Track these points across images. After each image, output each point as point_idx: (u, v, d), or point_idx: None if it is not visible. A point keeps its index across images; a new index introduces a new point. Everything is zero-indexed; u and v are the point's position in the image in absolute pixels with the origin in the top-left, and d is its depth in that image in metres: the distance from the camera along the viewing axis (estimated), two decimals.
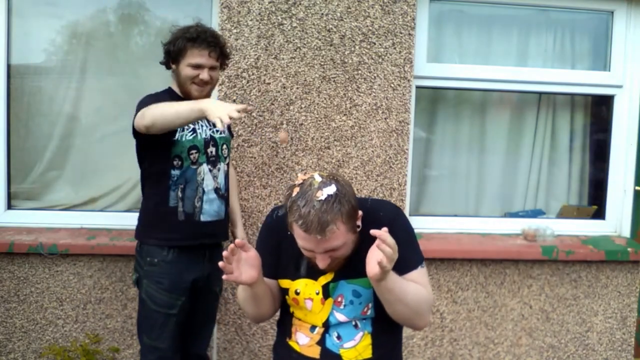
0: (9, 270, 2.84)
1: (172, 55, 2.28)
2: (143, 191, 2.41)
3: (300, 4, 2.85)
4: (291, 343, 1.71)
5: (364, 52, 2.90)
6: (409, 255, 1.61)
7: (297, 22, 2.85)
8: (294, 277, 1.66)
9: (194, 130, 2.30)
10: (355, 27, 2.89)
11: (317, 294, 1.63)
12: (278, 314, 1.80)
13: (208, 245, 2.38)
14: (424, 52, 3.06)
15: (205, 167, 2.31)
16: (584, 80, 3.20)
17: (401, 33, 2.91)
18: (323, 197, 1.45)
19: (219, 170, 2.37)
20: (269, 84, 2.87)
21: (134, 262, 2.42)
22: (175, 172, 2.27)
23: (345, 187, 1.51)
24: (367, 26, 2.89)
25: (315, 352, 1.65)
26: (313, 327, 1.67)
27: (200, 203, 2.31)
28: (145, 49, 3.05)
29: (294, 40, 2.86)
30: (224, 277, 1.49)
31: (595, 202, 3.39)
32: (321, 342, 1.65)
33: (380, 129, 2.94)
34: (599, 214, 3.32)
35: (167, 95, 2.32)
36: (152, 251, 2.31)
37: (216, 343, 2.96)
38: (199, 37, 2.24)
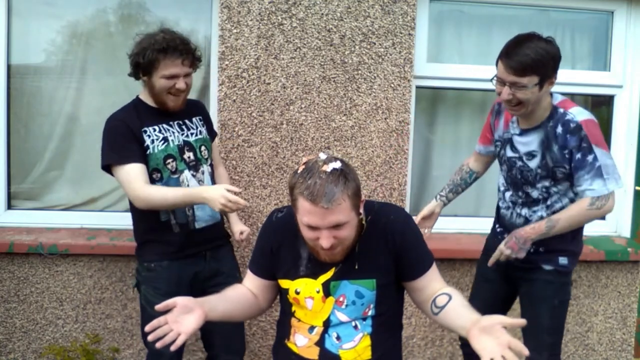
0: (9, 270, 2.84)
1: (142, 67, 2.15)
2: (132, 212, 2.32)
3: (300, 4, 2.85)
4: (289, 344, 1.71)
5: (364, 52, 2.90)
6: (426, 255, 1.71)
7: (297, 22, 2.85)
8: (294, 277, 1.66)
9: (165, 139, 2.22)
10: (355, 27, 2.89)
11: (318, 292, 1.64)
12: (278, 314, 1.81)
13: (208, 248, 2.35)
14: (424, 52, 3.06)
15: (187, 174, 2.25)
16: (584, 80, 3.19)
17: (401, 33, 2.91)
18: (329, 170, 1.48)
19: (202, 173, 2.30)
20: (269, 84, 2.87)
21: (136, 266, 2.41)
22: None
23: (350, 167, 1.55)
24: (367, 26, 2.89)
25: (314, 353, 1.66)
26: (312, 328, 1.67)
27: (192, 211, 2.26)
28: None
29: (294, 40, 2.86)
30: (172, 348, 1.44)
31: None
32: (320, 342, 1.65)
33: (380, 129, 2.94)
34: None
35: (134, 108, 2.24)
36: (150, 257, 2.29)
37: None
38: (169, 46, 2.11)
